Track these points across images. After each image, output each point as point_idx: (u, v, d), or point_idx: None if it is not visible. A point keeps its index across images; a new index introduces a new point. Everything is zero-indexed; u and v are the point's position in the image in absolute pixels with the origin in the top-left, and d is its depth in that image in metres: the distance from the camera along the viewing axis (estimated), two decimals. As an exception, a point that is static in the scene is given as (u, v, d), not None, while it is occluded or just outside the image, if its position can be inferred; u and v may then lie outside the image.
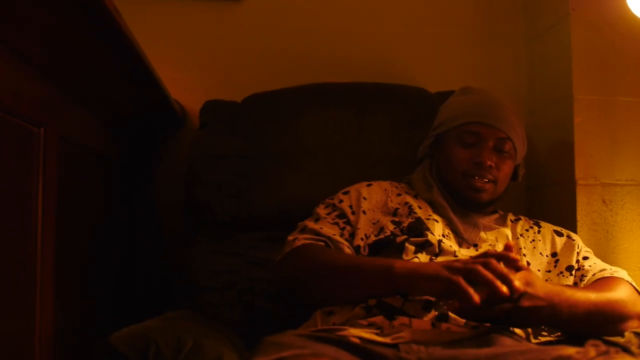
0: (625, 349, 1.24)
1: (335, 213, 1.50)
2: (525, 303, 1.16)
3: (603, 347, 0.96)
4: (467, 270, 1.12)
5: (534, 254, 1.52)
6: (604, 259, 1.78)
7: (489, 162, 1.52)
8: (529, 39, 2.13)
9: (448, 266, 1.16)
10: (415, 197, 1.58)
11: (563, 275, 1.48)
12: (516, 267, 1.18)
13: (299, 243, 1.40)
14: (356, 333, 1.12)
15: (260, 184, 1.72)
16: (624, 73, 1.85)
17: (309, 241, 1.40)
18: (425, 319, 1.22)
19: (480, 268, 1.11)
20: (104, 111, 1.53)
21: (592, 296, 1.28)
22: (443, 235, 1.45)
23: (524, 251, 1.51)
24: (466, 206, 1.56)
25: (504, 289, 1.09)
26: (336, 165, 1.75)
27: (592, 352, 0.94)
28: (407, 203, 1.51)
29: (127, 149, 1.84)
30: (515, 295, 1.13)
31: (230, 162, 1.73)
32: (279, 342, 0.98)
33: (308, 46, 2.08)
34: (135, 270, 1.89)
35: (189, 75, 2.05)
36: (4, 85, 1.00)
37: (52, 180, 1.17)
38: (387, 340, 1.10)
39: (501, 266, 1.13)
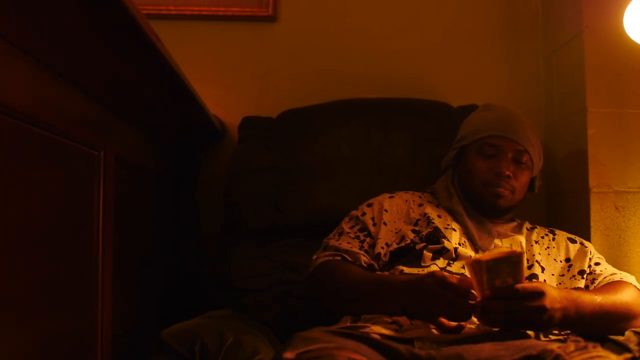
0: (623, 347, 1.36)
1: (358, 227, 1.65)
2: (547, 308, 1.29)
3: (583, 343, 1.08)
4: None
5: (549, 259, 1.64)
6: (616, 263, 1.90)
7: (507, 172, 1.65)
8: (547, 54, 2.24)
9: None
10: (437, 206, 1.71)
11: (575, 279, 1.60)
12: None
13: (319, 262, 1.58)
14: (377, 330, 1.27)
15: (292, 195, 1.88)
16: (635, 86, 1.95)
17: (327, 258, 1.57)
18: None
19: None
20: (152, 132, 1.70)
21: (598, 298, 1.41)
22: (460, 244, 1.59)
23: (539, 257, 1.63)
24: (485, 213, 1.69)
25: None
26: (362, 177, 1.89)
27: (572, 346, 1.07)
28: (425, 214, 1.64)
29: (173, 163, 2.01)
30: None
31: (265, 174, 1.89)
32: (307, 337, 1.13)
33: (338, 64, 2.23)
34: (181, 274, 2.06)
35: (228, 93, 2.22)
36: (68, 115, 1.16)
37: (110, 196, 1.33)
38: (404, 336, 1.25)
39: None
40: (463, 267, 1.51)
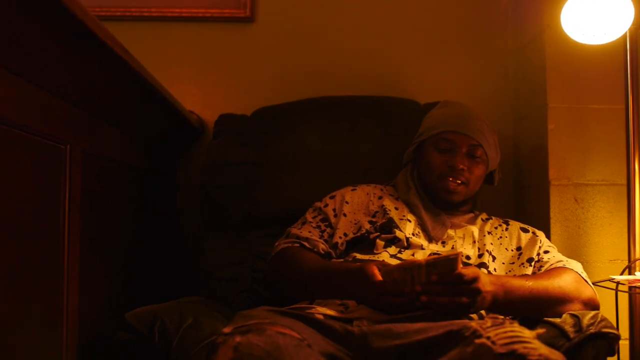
0: (559, 328, 1.44)
1: (320, 217, 1.76)
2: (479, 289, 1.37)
3: (500, 320, 1.17)
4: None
5: (500, 249, 1.73)
6: (575, 254, 1.99)
7: (461, 166, 1.73)
8: (515, 51, 2.32)
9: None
10: (397, 199, 1.80)
11: (524, 266, 1.68)
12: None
13: (279, 248, 1.69)
14: (322, 311, 1.36)
15: (264, 188, 1.97)
16: (594, 82, 2.03)
17: (287, 245, 1.67)
18: None
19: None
20: (128, 128, 1.80)
21: (529, 283, 1.49)
22: (413, 234, 1.68)
23: (490, 247, 1.71)
24: (442, 205, 1.77)
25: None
26: (330, 171, 1.98)
27: (489, 322, 1.15)
28: (383, 206, 1.73)
29: (153, 158, 2.11)
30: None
31: (238, 168, 1.98)
32: (248, 314, 1.22)
33: (313, 63, 2.32)
34: (161, 262, 2.16)
35: (208, 91, 2.33)
36: (30, 112, 1.26)
37: (77, 188, 1.43)
38: (346, 316, 1.34)
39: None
40: (412, 255, 1.60)
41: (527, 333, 1.12)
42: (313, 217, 1.76)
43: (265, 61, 2.33)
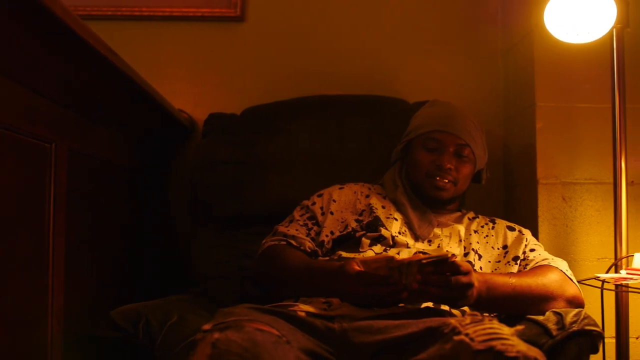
0: (542, 326, 1.45)
1: (307, 215, 1.77)
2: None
3: (479, 317, 1.18)
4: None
5: (487, 247, 1.73)
6: (563, 252, 1.99)
7: (448, 165, 1.74)
8: (505, 51, 2.33)
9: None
10: (384, 197, 1.81)
11: (509, 265, 1.69)
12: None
13: (265, 246, 1.69)
14: (304, 308, 1.37)
15: (252, 187, 1.98)
16: (582, 81, 2.04)
17: (274, 243, 1.68)
18: None
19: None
20: (116, 127, 1.80)
21: (512, 280, 1.49)
22: (400, 232, 1.68)
23: (476, 246, 1.72)
24: (429, 204, 1.78)
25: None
26: (318, 170, 1.99)
27: (468, 319, 1.16)
28: (370, 204, 1.74)
29: (144, 156, 2.11)
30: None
31: (226, 167, 1.99)
32: (228, 311, 1.23)
33: (303, 62, 2.33)
34: (152, 261, 2.17)
35: (199, 90, 2.33)
36: (15, 111, 1.27)
37: (62, 185, 1.44)
38: (329, 313, 1.35)
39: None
40: (398, 254, 1.60)
41: (506, 330, 1.13)
42: (300, 216, 1.77)
43: (256, 60, 2.34)
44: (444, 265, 1.36)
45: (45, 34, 1.19)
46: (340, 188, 1.82)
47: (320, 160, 2.01)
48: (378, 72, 2.32)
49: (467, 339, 1.09)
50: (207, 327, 1.14)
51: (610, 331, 1.82)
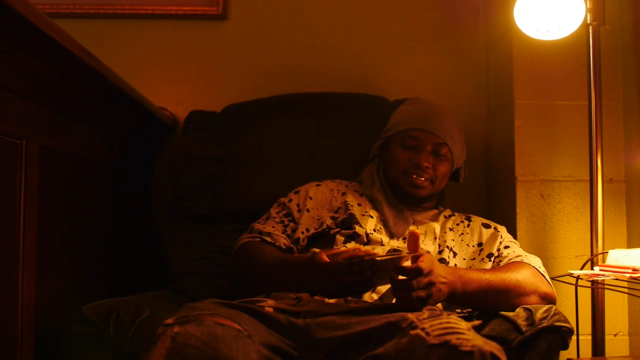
0: (512, 322, 1.45)
1: (284, 212, 1.78)
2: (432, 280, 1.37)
3: (437, 312, 1.18)
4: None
5: (462, 245, 1.74)
6: (541, 249, 2.00)
7: (425, 164, 1.75)
8: (487, 47, 2.33)
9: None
10: (361, 195, 1.81)
11: (484, 262, 1.70)
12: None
13: (240, 243, 1.71)
14: (272, 303, 1.38)
15: (231, 184, 1.99)
16: (561, 79, 2.04)
17: (248, 240, 1.69)
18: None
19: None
20: (96, 126, 1.81)
21: (486, 275, 1.50)
22: (375, 230, 1.69)
23: (451, 243, 1.73)
24: (406, 201, 1.79)
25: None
26: (295, 167, 2.00)
27: (426, 314, 1.17)
28: (345, 202, 1.75)
29: (125, 154, 2.12)
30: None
31: (204, 164, 2.00)
32: (192, 306, 1.24)
33: (284, 60, 2.34)
34: (133, 258, 2.18)
35: (181, 88, 2.34)
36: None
37: (34, 181, 1.44)
38: (296, 309, 1.36)
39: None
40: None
41: (463, 324, 1.14)
42: (277, 213, 1.78)
43: (238, 58, 2.35)
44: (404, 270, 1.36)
45: (8, 30, 1.19)
46: (317, 185, 1.83)
47: (299, 157, 2.01)
48: (359, 70, 2.33)
49: (422, 333, 1.10)
50: (169, 321, 1.15)
51: (586, 328, 1.83)
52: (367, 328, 1.23)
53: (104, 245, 1.96)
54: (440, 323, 1.12)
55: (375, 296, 1.55)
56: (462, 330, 1.10)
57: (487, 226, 1.79)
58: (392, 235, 1.71)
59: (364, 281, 1.36)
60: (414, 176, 1.75)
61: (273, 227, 1.73)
